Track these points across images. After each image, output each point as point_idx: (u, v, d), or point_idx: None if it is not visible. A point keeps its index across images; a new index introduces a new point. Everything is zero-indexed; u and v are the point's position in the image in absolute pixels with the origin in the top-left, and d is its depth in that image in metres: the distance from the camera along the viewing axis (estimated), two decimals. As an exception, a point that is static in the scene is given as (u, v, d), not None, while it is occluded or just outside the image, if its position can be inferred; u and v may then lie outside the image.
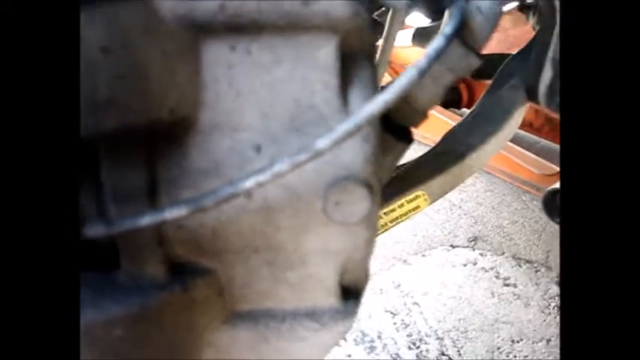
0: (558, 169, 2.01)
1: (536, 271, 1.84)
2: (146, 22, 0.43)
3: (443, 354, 1.60)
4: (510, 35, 1.80)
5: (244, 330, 0.57)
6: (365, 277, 0.59)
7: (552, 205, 1.98)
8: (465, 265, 1.88)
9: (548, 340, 1.63)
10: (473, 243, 1.96)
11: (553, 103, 0.75)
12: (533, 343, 1.63)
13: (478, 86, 2.02)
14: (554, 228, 2.01)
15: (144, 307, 0.50)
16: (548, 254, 1.91)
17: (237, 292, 0.55)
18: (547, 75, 0.72)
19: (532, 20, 1.31)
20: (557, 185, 1.94)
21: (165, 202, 0.48)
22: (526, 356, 1.60)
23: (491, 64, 0.86)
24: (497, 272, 1.85)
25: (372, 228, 0.52)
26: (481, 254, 1.92)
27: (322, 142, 0.44)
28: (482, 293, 1.78)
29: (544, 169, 2.04)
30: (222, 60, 0.46)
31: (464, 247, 1.95)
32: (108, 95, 0.41)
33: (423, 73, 0.46)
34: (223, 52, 0.46)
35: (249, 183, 0.44)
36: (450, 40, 0.48)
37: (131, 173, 0.47)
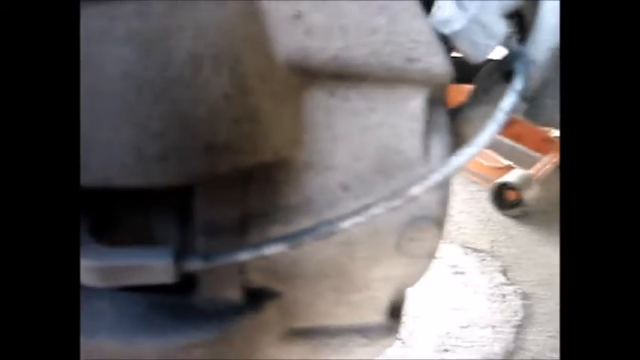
0: (506, 162, 2.14)
1: (483, 260, 1.97)
2: (262, 68, 0.44)
3: (396, 338, 1.69)
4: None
5: (299, 345, 0.60)
6: (405, 296, 0.64)
7: (499, 197, 2.12)
8: (417, 253, 1.97)
9: (494, 327, 1.76)
10: (424, 231, 2.05)
11: (534, 116, 0.79)
12: (480, 329, 1.75)
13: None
14: (498, 219, 2.14)
15: (222, 331, 0.52)
16: (493, 244, 2.04)
17: (299, 311, 0.58)
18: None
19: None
20: (505, 178, 2.08)
21: (254, 236, 0.50)
22: (473, 341, 1.72)
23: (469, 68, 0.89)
24: (447, 260, 1.96)
25: (432, 259, 0.57)
26: (432, 242, 2.02)
27: (416, 190, 0.48)
28: (432, 280, 1.88)
29: (492, 162, 2.17)
30: (321, 104, 0.48)
31: (416, 234, 2.04)
32: (226, 139, 0.43)
33: (501, 127, 0.50)
34: (323, 97, 0.48)
35: (347, 223, 0.47)
36: (521, 95, 0.52)
37: (226, 209, 0.48)
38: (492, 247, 2.04)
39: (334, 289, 0.56)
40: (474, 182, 2.27)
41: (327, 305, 0.58)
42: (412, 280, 0.59)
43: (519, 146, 2.29)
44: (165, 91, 0.40)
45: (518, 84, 0.52)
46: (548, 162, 2.21)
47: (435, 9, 0.52)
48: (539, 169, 2.17)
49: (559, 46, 0.54)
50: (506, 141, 2.00)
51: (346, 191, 0.51)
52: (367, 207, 0.47)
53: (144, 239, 0.52)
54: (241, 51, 0.42)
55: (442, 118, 0.53)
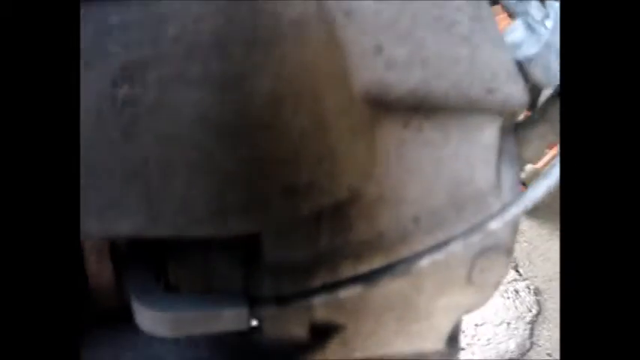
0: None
1: (494, 257, 1.97)
2: (342, 104, 0.42)
3: None
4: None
5: (358, 376, 0.58)
6: (461, 322, 0.62)
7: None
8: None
9: (509, 324, 1.76)
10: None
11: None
12: (494, 326, 1.75)
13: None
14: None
15: (290, 371, 0.50)
16: (503, 240, 2.04)
17: (359, 343, 0.56)
18: None
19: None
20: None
21: (324, 273, 0.48)
22: (489, 339, 1.72)
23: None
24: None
25: (499, 287, 0.55)
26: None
27: (494, 225, 0.46)
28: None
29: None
30: (395, 136, 0.46)
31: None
32: (308, 181, 0.41)
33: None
34: (397, 129, 0.46)
35: (424, 261, 0.45)
36: None
37: (296, 249, 0.46)
38: (502, 243, 2.03)
39: (397, 319, 0.54)
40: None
41: (388, 335, 0.56)
42: (476, 308, 0.57)
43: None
44: (244, 134, 0.38)
45: None
46: (555, 156, 2.20)
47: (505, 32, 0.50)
48: (546, 163, 2.17)
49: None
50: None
51: (417, 224, 0.49)
52: (445, 244, 0.45)
53: (204, 280, 0.50)
54: (322, 88, 0.40)
55: (511, 147, 0.51)
